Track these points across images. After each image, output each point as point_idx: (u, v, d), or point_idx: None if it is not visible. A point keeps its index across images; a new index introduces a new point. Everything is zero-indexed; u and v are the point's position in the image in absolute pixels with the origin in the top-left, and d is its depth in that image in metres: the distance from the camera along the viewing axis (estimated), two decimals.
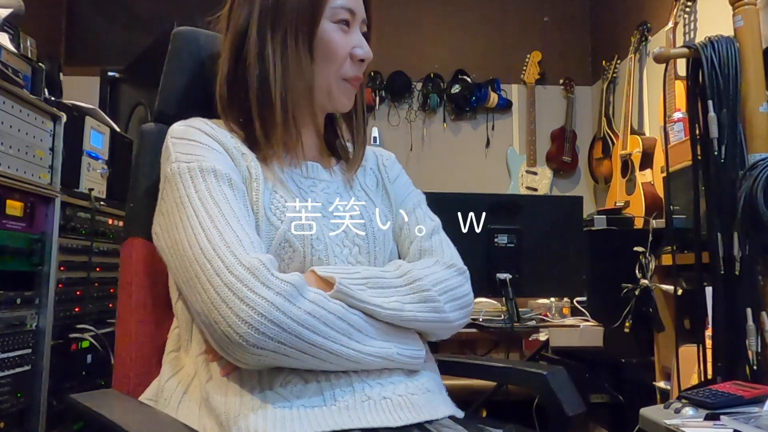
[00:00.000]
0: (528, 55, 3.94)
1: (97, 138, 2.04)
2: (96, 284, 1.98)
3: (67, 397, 0.80)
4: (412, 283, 0.85)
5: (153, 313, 0.95)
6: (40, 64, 1.88)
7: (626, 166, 3.10)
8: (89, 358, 1.91)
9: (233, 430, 0.72)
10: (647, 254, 2.08)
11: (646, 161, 2.99)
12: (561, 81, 3.98)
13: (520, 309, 2.05)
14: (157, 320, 0.95)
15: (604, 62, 3.68)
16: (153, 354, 0.93)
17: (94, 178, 2.01)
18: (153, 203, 0.91)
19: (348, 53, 0.93)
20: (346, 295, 0.78)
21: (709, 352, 1.58)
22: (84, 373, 1.89)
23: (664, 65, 1.96)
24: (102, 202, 2.02)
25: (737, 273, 1.47)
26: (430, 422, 0.81)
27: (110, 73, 2.91)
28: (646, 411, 1.18)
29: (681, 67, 2.30)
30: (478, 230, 1.97)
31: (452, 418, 0.85)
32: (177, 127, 0.89)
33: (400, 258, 0.98)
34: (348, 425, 0.73)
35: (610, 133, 3.51)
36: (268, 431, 0.71)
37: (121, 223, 2.16)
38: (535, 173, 3.89)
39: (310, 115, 0.97)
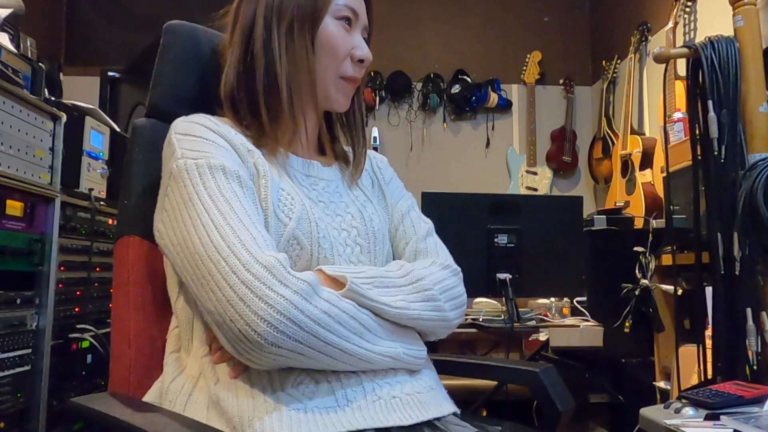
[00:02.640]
0: (528, 55, 3.94)
1: (97, 138, 2.04)
2: (96, 284, 1.98)
3: (68, 401, 0.79)
4: (415, 283, 0.86)
5: (152, 313, 0.94)
6: (40, 64, 1.88)
7: (626, 166, 3.10)
8: (89, 358, 1.91)
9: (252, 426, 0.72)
10: (647, 254, 2.08)
11: (646, 161, 2.99)
12: (561, 81, 3.98)
13: (520, 309, 2.05)
14: (157, 320, 0.94)
15: (604, 62, 3.68)
16: (153, 355, 0.92)
17: (94, 178, 2.01)
18: (149, 200, 0.90)
19: (348, 52, 0.94)
20: (357, 294, 0.78)
21: (709, 352, 1.58)
22: (84, 373, 1.89)
23: (664, 65, 1.96)
24: (102, 202, 2.02)
25: (737, 273, 1.47)
26: (438, 419, 0.82)
27: (110, 73, 2.91)
28: (646, 411, 1.18)
29: (681, 67, 2.30)
30: (478, 230, 1.97)
31: (454, 414, 0.87)
32: (180, 123, 0.87)
33: (394, 259, 0.99)
34: (362, 425, 0.74)
35: (610, 133, 3.51)
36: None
37: None
38: (535, 173, 3.89)
39: (312, 110, 0.97)
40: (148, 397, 0.87)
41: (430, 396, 0.84)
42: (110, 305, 2.05)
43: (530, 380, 1.02)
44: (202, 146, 0.83)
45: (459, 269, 0.96)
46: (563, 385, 1.02)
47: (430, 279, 0.88)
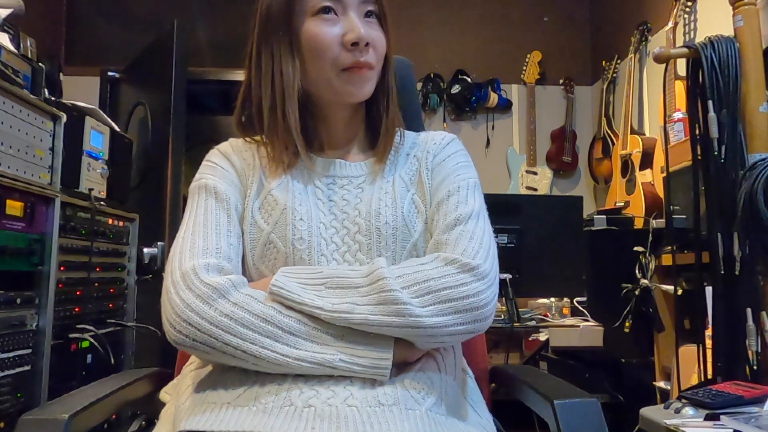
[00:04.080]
0: (528, 55, 3.94)
1: (97, 138, 2.04)
2: (96, 284, 1.98)
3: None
4: (374, 283, 0.77)
5: None
6: (40, 64, 1.88)
7: (626, 166, 3.10)
8: (89, 358, 1.91)
9: (177, 423, 0.77)
10: (647, 254, 2.08)
11: (646, 161, 2.99)
12: (561, 81, 3.98)
13: (520, 309, 2.06)
14: None
15: (604, 62, 3.68)
16: None
17: (94, 178, 2.00)
18: None
19: (338, 42, 0.88)
20: (281, 297, 0.78)
21: (709, 352, 1.58)
22: (84, 373, 1.89)
23: (664, 65, 1.96)
24: (102, 202, 2.02)
25: (737, 273, 1.47)
26: None
27: (110, 73, 2.92)
28: (646, 411, 1.18)
29: (681, 67, 2.30)
30: None
31: None
32: (212, 150, 0.99)
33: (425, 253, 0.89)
34: (247, 428, 0.70)
35: (610, 133, 3.51)
36: (188, 426, 0.73)
37: (121, 223, 2.16)
38: (535, 173, 3.89)
39: (328, 109, 0.96)
40: (165, 389, 0.99)
41: (373, 411, 0.72)
42: (110, 305, 2.07)
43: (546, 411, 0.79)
44: (206, 169, 0.95)
45: (478, 265, 0.80)
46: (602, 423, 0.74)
47: (404, 279, 0.77)
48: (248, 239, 0.88)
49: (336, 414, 0.71)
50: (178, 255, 0.83)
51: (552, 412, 0.75)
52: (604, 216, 2.41)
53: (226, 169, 0.95)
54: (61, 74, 2.30)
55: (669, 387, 1.99)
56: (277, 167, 0.93)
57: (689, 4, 2.67)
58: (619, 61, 3.57)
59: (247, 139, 0.99)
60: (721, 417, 1.05)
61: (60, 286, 1.77)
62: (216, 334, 0.75)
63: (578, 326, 2.13)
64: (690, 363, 1.68)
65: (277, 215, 0.89)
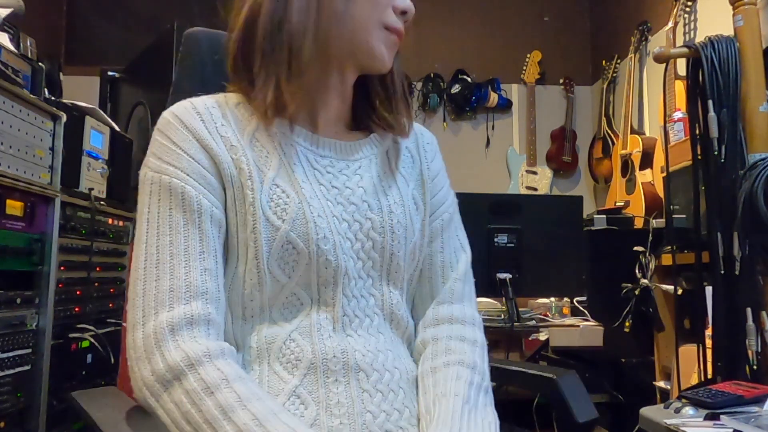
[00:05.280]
0: (528, 55, 3.94)
1: (97, 138, 2.04)
2: (96, 284, 1.98)
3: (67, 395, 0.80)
4: None
5: None
6: (40, 63, 1.88)
7: (626, 165, 3.10)
8: (89, 357, 1.91)
9: None
10: (647, 254, 2.08)
11: (646, 161, 2.99)
12: (561, 81, 3.98)
13: (520, 309, 2.05)
14: None
15: (604, 62, 3.68)
16: None
17: (94, 178, 2.01)
18: None
19: (389, 2, 0.81)
20: None
21: (709, 352, 1.58)
22: (84, 373, 1.89)
23: (664, 65, 1.96)
24: (102, 202, 2.02)
25: (737, 273, 1.47)
26: None
27: (110, 73, 2.91)
28: (646, 411, 1.18)
29: (681, 67, 2.30)
30: (478, 230, 1.97)
31: None
32: (165, 117, 0.79)
33: (423, 272, 0.89)
34: None
35: (610, 133, 3.51)
36: None
37: (121, 223, 2.16)
38: (535, 173, 3.89)
39: (338, 74, 0.84)
40: None
41: None
42: (110, 305, 2.07)
43: (547, 387, 0.93)
44: (167, 154, 0.76)
45: (481, 330, 0.92)
46: (585, 393, 0.91)
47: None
48: (262, 239, 0.74)
49: None
50: (139, 302, 0.71)
51: (557, 386, 0.90)
52: (604, 216, 2.41)
53: (194, 157, 0.76)
54: (61, 74, 2.30)
55: (669, 387, 1.99)
56: (285, 137, 0.80)
57: (689, 4, 2.67)
58: (619, 61, 3.56)
59: (216, 97, 0.81)
60: (721, 417, 1.05)
61: (60, 286, 1.77)
62: (167, 423, 0.67)
63: (578, 326, 2.13)
64: (690, 363, 1.68)
65: (293, 211, 0.76)
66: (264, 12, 0.78)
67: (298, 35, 0.77)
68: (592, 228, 2.34)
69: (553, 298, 2.34)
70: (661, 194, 2.57)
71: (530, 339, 2.20)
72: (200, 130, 0.77)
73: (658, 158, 2.85)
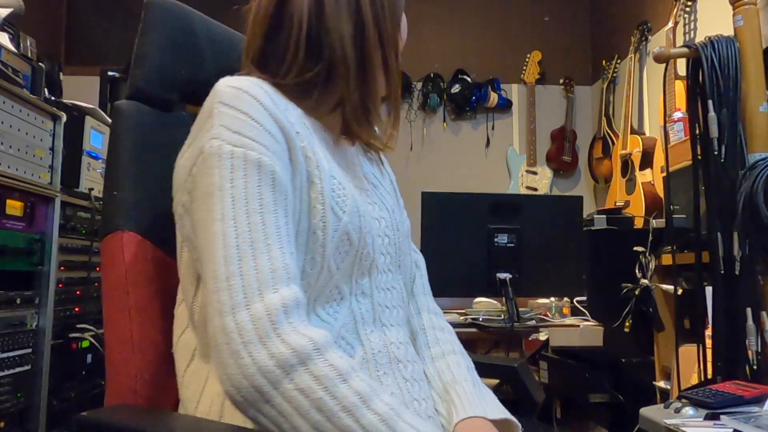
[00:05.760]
0: (528, 55, 3.94)
1: (97, 138, 2.04)
2: (96, 284, 1.98)
3: (78, 417, 0.69)
4: None
5: (153, 315, 0.84)
6: (40, 63, 1.88)
7: (626, 165, 3.10)
8: (89, 358, 1.91)
9: None
10: (647, 254, 2.08)
11: (646, 161, 2.99)
12: (561, 81, 3.98)
13: (520, 309, 2.05)
14: (157, 324, 0.85)
15: (604, 62, 3.68)
16: (159, 362, 0.83)
17: (94, 178, 2.01)
18: (144, 193, 0.84)
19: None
20: None
21: (709, 352, 1.58)
22: (84, 373, 1.89)
23: (664, 65, 1.96)
24: (102, 202, 2.02)
25: (737, 273, 1.47)
26: None
27: (110, 73, 2.91)
28: (646, 411, 1.18)
29: (681, 66, 2.30)
30: (478, 230, 1.97)
31: None
32: (227, 90, 0.72)
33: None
34: None
35: (610, 133, 3.51)
36: None
37: None
38: (535, 173, 3.89)
39: None
40: None
41: None
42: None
43: (509, 374, 1.08)
44: (248, 129, 0.69)
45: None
46: (535, 379, 1.11)
47: None
48: (330, 229, 0.73)
49: None
50: (237, 282, 0.63)
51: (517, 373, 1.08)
52: (604, 216, 2.41)
53: (273, 134, 0.71)
54: (61, 74, 2.29)
55: (669, 387, 1.99)
56: (329, 133, 0.80)
57: (689, 3, 2.67)
58: (619, 61, 3.56)
59: (266, 84, 0.75)
60: (721, 417, 1.05)
61: (60, 286, 1.77)
62: (287, 413, 0.60)
63: (578, 326, 2.13)
64: (690, 363, 1.68)
65: (350, 204, 0.75)
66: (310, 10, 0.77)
67: (370, 40, 0.80)
68: (592, 228, 2.34)
69: (553, 298, 2.34)
70: (661, 194, 2.57)
71: (530, 339, 2.20)
72: (273, 108, 0.72)
73: (658, 158, 2.85)
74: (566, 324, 2.16)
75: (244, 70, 0.81)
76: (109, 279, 0.84)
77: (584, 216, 2.27)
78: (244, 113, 0.70)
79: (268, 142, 0.70)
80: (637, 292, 2.06)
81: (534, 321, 2.15)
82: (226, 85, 0.72)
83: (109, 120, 2.18)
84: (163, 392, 0.82)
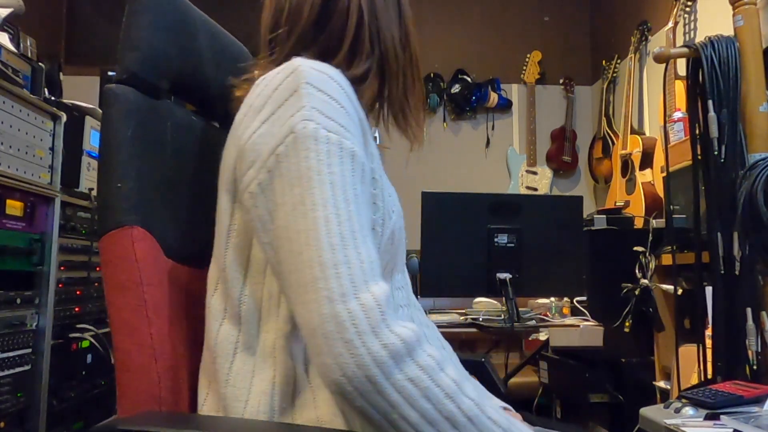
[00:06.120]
0: (528, 55, 3.94)
1: (97, 138, 2.04)
2: (96, 284, 1.98)
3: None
4: None
5: (170, 316, 0.79)
6: (40, 63, 1.88)
7: (626, 165, 3.10)
8: (89, 357, 1.91)
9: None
10: (647, 254, 2.08)
11: (646, 161, 2.99)
12: (561, 81, 3.98)
13: (520, 309, 2.05)
14: (174, 325, 0.79)
15: (604, 62, 3.68)
16: (179, 367, 0.78)
17: (94, 178, 2.01)
18: (150, 186, 0.80)
19: None
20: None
21: (709, 352, 1.58)
22: (84, 372, 1.89)
23: (664, 65, 1.95)
24: (99, 195, 2.02)
25: (737, 273, 1.47)
26: None
27: (110, 73, 2.90)
28: (646, 411, 1.18)
29: (681, 66, 2.30)
30: (478, 230, 1.97)
31: None
32: (311, 71, 0.69)
33: None
34: None
35: (610, 133, 3.51)
36: None
37: None
38: (535, 173, 3.89)
39: None
40: None
41: None
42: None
43: (478, 369, 1.12)
44: (340, 116, 0.67)
45: None
46: (497, 373, 1.19)
47: None
48: (386, 227, 0.73)
49: None
50: (345, 270, 0.62)
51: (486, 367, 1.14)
52: (604, 216, 2.41)
53: (358, 125, 0.70)
54: (61, 74, 2.29)
55: (669, 387, 1.99)
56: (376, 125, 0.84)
57: (689, 4, 2.67)
58: (619, 61, 3.57)
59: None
60: (721, 417, 1.05)
61: (60, 286, 1.77)
62: (396, 403, 0.60)
63: (578, 326, 2.13)
64: (690, 363, 1.68)
65: (397, 202, 0.78)
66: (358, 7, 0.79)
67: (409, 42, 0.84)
68: (592, 228, 2.34)
69: (553, 298, 2.34)
70: (661, 194, 2.57)
71: (530, 339, 2.20)
72: (354, 98, 0.72)
73: (658, 158, 2.85)
74: (566, 324, 2.16)
75: (281, 53, 0.78)
76: (119, 279, 0.77)
77: (584, 216, 2.27)
78: (335, 99, 0.68)
79: (357, 133, 0.69)
80: (637, 292, 2.06)
81: (534, 321, 2.15)
82: (308, 66, 0.69)
83: None
84: (181, 398, 0.78)
